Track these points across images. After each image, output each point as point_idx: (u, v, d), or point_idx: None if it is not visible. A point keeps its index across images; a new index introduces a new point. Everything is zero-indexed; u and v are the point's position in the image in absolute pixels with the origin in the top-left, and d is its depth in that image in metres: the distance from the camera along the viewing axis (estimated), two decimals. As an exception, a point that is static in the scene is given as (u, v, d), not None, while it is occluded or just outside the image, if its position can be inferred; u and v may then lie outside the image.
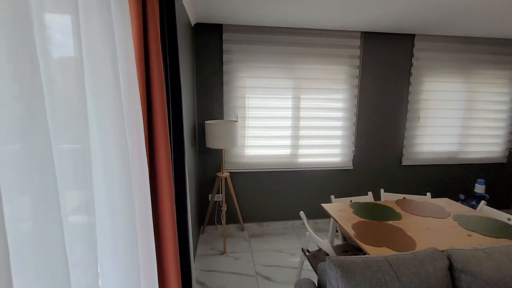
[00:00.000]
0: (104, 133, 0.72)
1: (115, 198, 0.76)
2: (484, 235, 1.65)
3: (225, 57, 2.81)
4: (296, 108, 2.97)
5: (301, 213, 1.90)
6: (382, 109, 3.12)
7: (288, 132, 3.00)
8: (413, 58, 3.07)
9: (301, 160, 3.07)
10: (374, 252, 1.44)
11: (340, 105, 3.04)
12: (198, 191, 2.93)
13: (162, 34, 1.15)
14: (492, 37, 3.12)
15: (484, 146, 3.40)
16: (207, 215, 2.95)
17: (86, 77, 0.66)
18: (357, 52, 2.97)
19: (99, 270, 0.71)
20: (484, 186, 3.23)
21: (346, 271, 1.18)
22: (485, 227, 1.75)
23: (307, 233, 1.86)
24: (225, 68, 2.83)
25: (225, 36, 2.77)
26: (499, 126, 3.39)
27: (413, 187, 3.33)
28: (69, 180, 0.59)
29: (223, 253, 2.64)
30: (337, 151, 3.12)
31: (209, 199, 3.02)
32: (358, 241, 1.55)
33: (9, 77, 0.43)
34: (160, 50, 1.01)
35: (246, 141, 2.96)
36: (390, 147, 3.21)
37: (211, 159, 2.97)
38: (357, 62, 2.99)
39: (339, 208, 2.04)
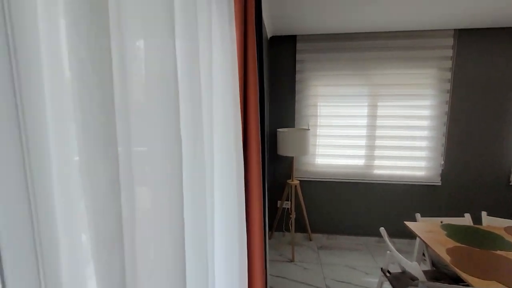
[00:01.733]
0: (222, 146, 0.83)
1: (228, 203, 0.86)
2: None
3: (298, 66, 2.86)
4: (372, 116, 2.79)
5: (382, 230, 1.76)
6: (482, 116, 2.65)
7: (363, 142, 2.84)
8: (527, 55, 2.53)
9: (377, 172, 2.85)
10: (480, 285, 1.23)
11: (426, 112, 2.72)
12: (268, 196, 3.02)
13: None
14: None
15: None
16: (275, 221, 3.00)
17: (214, 95, 0.78)
18: (449, 52, 2.62)
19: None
20: None
21: (446, 301, 1.04)
22: None
23: (388, 252, 1.71)
24: (297, 77, 2.87)
25: (298, 46, 2.82)
26: None
27: (527, 212, 2.70)
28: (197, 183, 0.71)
29: (291, 261, 2.63)
30: (422, 164, 2.78)
31: (278, 206, 3.07)
32: (458, 270, 1.34)
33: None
34: (256, 65, 1.11)
35: (317, 150, 2.92)
36: (494, 161, 2.68)
37: (281, 166, 3.03)
38: (449, 63, 2.64)
39: (427, 229, 1.81)
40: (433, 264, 1.90)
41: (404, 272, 1.76)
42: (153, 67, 0.50)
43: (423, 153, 2.76)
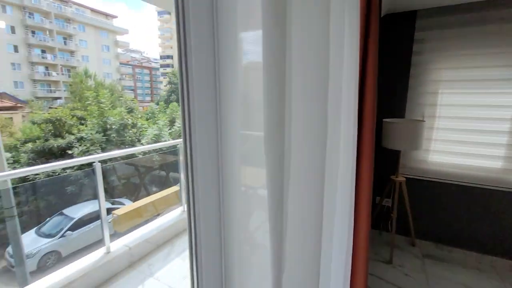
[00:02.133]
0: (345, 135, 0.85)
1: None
2: None
3: (415, 47, 2.48)
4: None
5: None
6: None
7: (503, 139, 2.25)
8: None
9: (521, 178, 2.22)
10: None
11: None
12: (365, 191, 2.83)
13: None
14: None
15: None
16: (372, 217, 2.80)
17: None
18: None
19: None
20: None
21: None
22: None
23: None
24: (413, 60, 2.50)
25: (418, 23, 2.43)
26: None
27: None
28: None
29: (388, 262, 2.43)
30: None
31: (377, 202, 2.84)
32: None
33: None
34: (377, 49, 1.04)
35: (432, 145, 2.51)
36: None
37: (384, 159, 2.77)
38: None
39: None
40: None
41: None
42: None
43: None
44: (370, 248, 2.65)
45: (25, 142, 11.31)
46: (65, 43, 27.05)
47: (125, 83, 33.83)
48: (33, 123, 12.05)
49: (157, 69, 47.06)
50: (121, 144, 11.82)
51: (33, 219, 7.52)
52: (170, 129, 14.06)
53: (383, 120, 2.49)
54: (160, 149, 4.72)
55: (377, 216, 2.88)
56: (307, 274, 1.02)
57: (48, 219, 7.09)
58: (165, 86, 39.18)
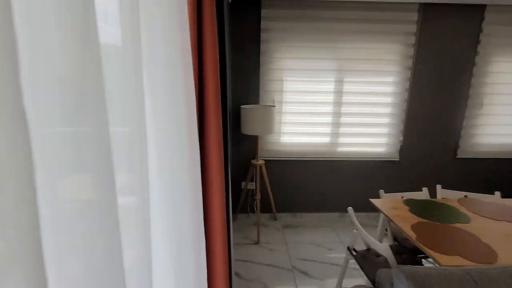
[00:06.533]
0: (159, 118, 0.58)
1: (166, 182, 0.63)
2: None
3: (262, 36, 2.59)
4: (339, 92, 2.71)
5: (350, 209, 1.72)
6: (438, 94, 2.74)
7: (329, 119, 2.76)
8: (481, 34, 2.62)
9: (341, 149, 2.83)
10: (445, 261, 1.23)
11: (389, 89, 2.72)
12: (232, 178, 2.84)
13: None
14: None
15: (560, 139, 2.90)
16: (239, 203, 2.86)
17: (143, 62, 0.51)
18: (413, 28, 2.59)
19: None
20: (558, 186, 2.78)
21: (421, 285, 0.99)
22: None
23: (355, 230, 1.68)
24: (262, 48, 2.62)
25: (263, 12, 2.54)
26: None
27: (470, 183, 2.96)
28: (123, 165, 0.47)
29: (256, 243, 2.55)
30: (383, 140, 2.83)
31: (242, 187, 2.92)
32: (425, 248, 1.33)
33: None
34: (215, 28, 0.84)
35: (282, 128, 2.78)
36: (445, 137, 2.84)
37: (245, 145, 2.84)
38: (412, 39, 2.62)
39: (392, 205, 1.81)
40: (395, 239, 1.95)
41: (369, 249, 1.76)
42: None
43: (385, 130, 2.80)
44: (239, 233, 2.73)
45: None
46: None
47: None
48: None
49: None
50: None
51: None
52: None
53: (241, 107, 2.49)
54: None
55: (244, 200, 2.98)
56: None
57: None
58: None
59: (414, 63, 2.67)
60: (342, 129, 2.79)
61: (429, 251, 1.31)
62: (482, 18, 2.60)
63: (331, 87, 2.69)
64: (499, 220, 1.64)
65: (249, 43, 2.61)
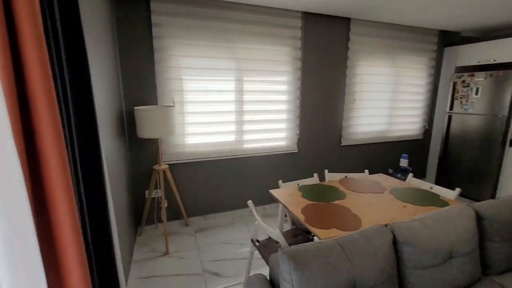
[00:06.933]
0: None
1: None
2: (416, 205, 1.78)
3: (155, 31, 2.41)
4: (239, 91, 2.79)
5: (249, 203, 1.77)
6: (323, 92, 3.18)
7: (232, 117, 2.81)
8: (349, 42, 3.17)
9: (247, 146, 2.94)
10: (324, 235, 1.40)
11: (284, 87, 2.97)
12: (132, 188, 2.54)
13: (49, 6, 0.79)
14: (414, 25, 3.43)
15: (406, 125, 3.81)
16: (144, 214, 2.59)
17: None
18: (299, 33, 2.91)
19: None
20: (407, 160, 3.64)
21: (299, 262, 1.08)
22: (415, 198, 1.90)
23: (256, 222, 1.75)
24: (155, 44, 2.44)
25: (153, 6, 2.36)
26: (417, 107, 3.84)
27: (352, 165, 3.56)
28: None
29: (165, 254, 2.36)
30: (283, 135, 3.08)
31: (146, 196, 2.66)
32: (309, 226, 1.49)
33: None
34: (42, 31, 0.68)
35: (185, 129, 2.66)
36: (331, 129, 3.32)
37: (145, 151, 2.59)
38: (299, 43, 2.94)
39: (288, 193, 1.97)
40: (293, 223, 2.13)
41: (270, 239, 1.86)
42: None
43: (283, 125, 3.05)
44: (145, 247, 2.46)
45: None
46: None
47: None
48: None
49: None
50: None
51: None
52: None
53: (134, 108, 2.26)
54: None
55: (150, 210, 2.73)
56: None
57: None
58: None
59: (302, 65, 3.00)
60: (246, 127, 2.89)
61: (312, 229, 1.47)
62: (349, 29, 3.15)
63: (232, 86, 2.75)
64: (366, 193, 2.00)
65: (141, 40, 2.39)
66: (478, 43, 3.39)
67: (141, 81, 2.46)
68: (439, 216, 1.46)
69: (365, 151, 3.61)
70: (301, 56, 2.98)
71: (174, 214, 2.81)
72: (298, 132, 3.14)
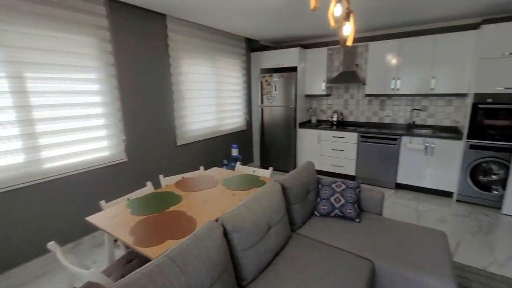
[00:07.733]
0: None
1: None
2: (242, 190, 2.00)
3: None
4: (22, 93, 2.00)
5: (51, 244, 1.30)
6: (148, 91, 2.92)
7: (14, 130, 1.99)
8: (168, 39, 3.08)
9: (49, 165, 2.20)
10: (157, 252, 1.25)
11: (96, 87, 2.45)
12: None
13: None
14: (227, 30, 3.84)
15: (232, 118, 4.31)
16: None
17: None
18: (105, 22, 2.46)
19: None
20: (237, 150, 4.14)
21: (119, 303, 0.88)
22: (241, 183, 2.15)
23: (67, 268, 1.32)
24: None
25: None
26: (239, 102, 4.43)
27: (189, 164, 3.58)
28: None
29: None
30: (104, 143, 2.56)
31: None
32: (139, 248, 1.28)
33: None
34: None
35: None
36: (164, 129, 3.15)
37: None
38: (107, 35, 2.49)
39: (112, 215, 1.63)
40: (126, 246, 1.82)
41: (92, 282, 1.48)
42: None
43: (102, 132, 2.54)
44: None
45: None
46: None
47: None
48: None
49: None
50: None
51: None
52: None
53: None
54: None
55: None
56: None
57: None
58: None
59: (116, 60, 2.59)
60: (44, 140, 2.14)
61: (142, 250, 1.28)
62: (166, 26, 3.04)
63: (3, 86, 1.91)
64: (202, 190, 2.03)
65: None
66: (273, 51, 4.32)
67: None
68: (257, 196, 1.69)
69: (201, 148, 3.74)
70: (113, 50, 2.56)
71: None
72: (124, 138, 2.73)
